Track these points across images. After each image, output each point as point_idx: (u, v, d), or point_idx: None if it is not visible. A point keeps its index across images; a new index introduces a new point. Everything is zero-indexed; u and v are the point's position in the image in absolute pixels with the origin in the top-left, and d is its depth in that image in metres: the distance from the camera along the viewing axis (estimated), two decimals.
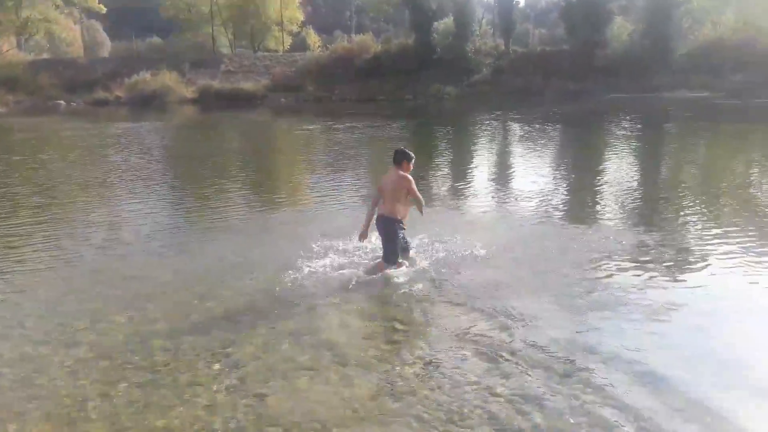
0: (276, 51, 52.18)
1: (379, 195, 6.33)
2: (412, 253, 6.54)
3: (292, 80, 41.79)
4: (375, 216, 6.33)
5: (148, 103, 37.65)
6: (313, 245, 7.09)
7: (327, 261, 6.65)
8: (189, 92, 40.73)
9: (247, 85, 41.15)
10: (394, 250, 6.20)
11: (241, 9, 50.77)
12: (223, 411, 3.93)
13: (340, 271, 6.38)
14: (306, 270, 6.41)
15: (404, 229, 6.29)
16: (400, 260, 6.30)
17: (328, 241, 7.28)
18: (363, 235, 6.48)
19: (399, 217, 6.18)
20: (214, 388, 4.22)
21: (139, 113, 32.76)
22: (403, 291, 5.88)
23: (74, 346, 4.91)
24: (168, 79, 40.72)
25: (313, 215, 9.36)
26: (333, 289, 5.97)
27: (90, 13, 53.02)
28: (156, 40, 51.61)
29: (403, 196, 6.15)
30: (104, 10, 50.68)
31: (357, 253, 6.88)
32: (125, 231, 8.56)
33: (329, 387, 4.18)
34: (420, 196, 6.20)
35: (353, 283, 6.06)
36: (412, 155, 6.30)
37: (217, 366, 4.52)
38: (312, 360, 4.57)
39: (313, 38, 57.13)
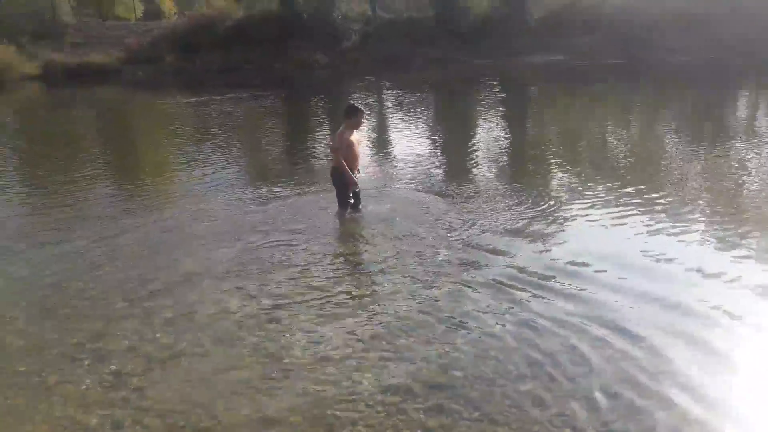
0: (127, 20, 48.52)
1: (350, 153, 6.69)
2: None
3: (149, 51, 39.01)
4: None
5: None
6: (190, 226, 6.70)
7: (203, 242, 6.35)
8: (32, 68, 36.71)
9: (98, 58, 37.85)
10: (343, 199, 6.76)
11: None
12: (97, 409, 3.63)
13: (221, 249, 6.15)
14: (178, 253, 6.10)
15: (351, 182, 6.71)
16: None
17: (203, 222, 6.93)
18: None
19: (341, 168, 6.58)
20: (85, 385, 3.88)
21: None
22: (284, 262, 5.75)
23: None
24: (4, 53, 36.35)
25: (186, 196, 8.84)
26: (207, 268, 5.70)
27: None
28: None
29: (344, 149, 6.54)
30: None
31: (233, 231, 6.65)
32: None
33: (211, 371, 3.99)
34: (337, 154, 6.58)
35: (230, 260, 5.85)
36: (355, 109, 6.61)
37: (87, 362, 4.15)
38: (191, 345, 4.33)
39: (168, 5, 53.63)
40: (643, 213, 6.88)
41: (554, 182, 8.79)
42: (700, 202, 7.44)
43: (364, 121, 6.84)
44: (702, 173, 8.95)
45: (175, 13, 51.98)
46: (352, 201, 6.86)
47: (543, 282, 5.08)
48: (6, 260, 6.23)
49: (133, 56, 38.53)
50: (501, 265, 5.49)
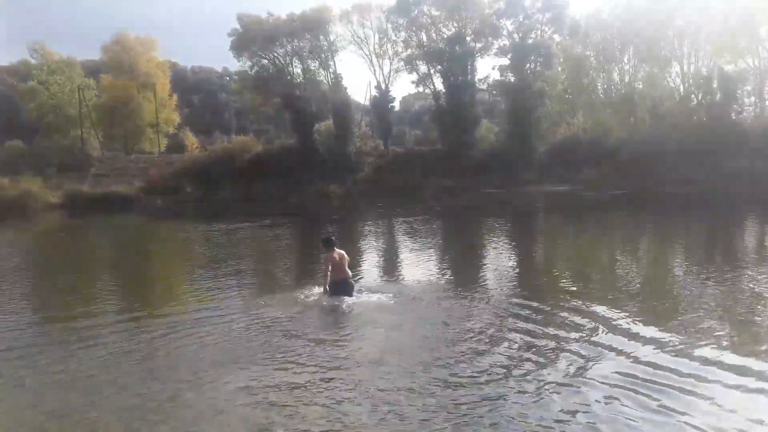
0: (151, 153, 50.96)
1: (329, 266, 8.93)
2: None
3: (169, 182, 40.59)
4: (337, 280, 8.95)
5: (7, 211, 34.64)
6: (200, 350, 6.47)
7: (210, 370, 6.11)
8: (54, 197, 38.14)
9: (120, 188, 39.37)
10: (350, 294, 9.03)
11: (113, 112, 49.54)
12: None
13: (228, 376, 5.89)
14: (182, 381, 5.86)
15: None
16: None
17: (211, 346, 6.72)
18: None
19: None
20: None
21: None
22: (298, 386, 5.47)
23: None
24: (31, 184, 38.00)
25: (191, 325, 8.58)
26: (213, 398, 5.42)
27: None
28: (16, 143, 48.41)
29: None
30: None
31: (244, 357, 6.40)
32: None
33: None
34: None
35: (235, 389, 5.58)
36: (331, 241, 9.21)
37: None
38: None
39: (191, 139, 56.49)
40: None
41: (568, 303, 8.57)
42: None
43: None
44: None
45: (196, 147, 54.56)
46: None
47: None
48: (6, 384, 5.98)
49: (155, 186, 40.05)
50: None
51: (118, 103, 49.13)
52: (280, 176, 39.70)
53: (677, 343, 6.46)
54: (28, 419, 5.11)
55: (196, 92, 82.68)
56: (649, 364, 5.85)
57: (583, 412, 4.81)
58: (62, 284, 12.59)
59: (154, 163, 45.52)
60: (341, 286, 9.01)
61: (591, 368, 5.80)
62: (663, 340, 6.61)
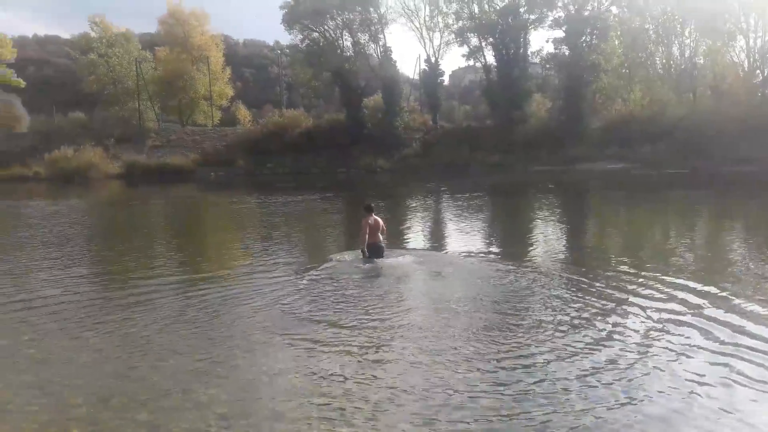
0: (205, 125, 52.11)
1: (366, 230, 9.86)
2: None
3: (223, 154, 41.63)
4: (367, 243, 9.87)
5: (70, 180, 36.32)
6: (250, 318, 6.74)
7: (261, 337, 6.36)
8: (114, 168, 39.72)
9: (176, 160, 40.63)
10: (380, 256, 9.94)
11: (169, 84, 50.78)
12: None
13: (281, 345, 6.12)
14: (236, 347, 6.11)
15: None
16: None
17: (260, 315, 6.99)
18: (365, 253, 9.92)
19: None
20: None
21: (61, 190, 31.44)
22: (345, 355, 5.65)
23: None
24: (92, 155, 39.67)
25: (243, 290, 8.91)
26: (265, 364, 5.65)
27: (7, 86, 51.16)
28: (78, 114, 50.40)
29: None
30: (24, 84, 48.95)
31: (295, 325, 6.63)
32: (40, 313, 7.85)
33: None
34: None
35: (287, 356, 5.80)
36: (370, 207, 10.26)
37: None
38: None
39: (243, 113, 57.53)
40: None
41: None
42: None
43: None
44: None
45: (249, 121, 55.56)
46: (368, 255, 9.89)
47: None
48: (71, 345, 6.36)
49: (208, 159, 41.14)
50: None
51: (173, 75, 50.32)
52: (329, 150, 40.16)
53: (747, 319, 6.38)
54: (94, 381, 5.42)
55: (248, 66, 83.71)
56: (720, 339, 5.83)
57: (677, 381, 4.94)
58: (124, 249, 13.19)
59: (209, 135, 46.60)
60: (372, 250, 9.92)
61: (666, 341, 5.81)
62: (730, 316, 6.53)
